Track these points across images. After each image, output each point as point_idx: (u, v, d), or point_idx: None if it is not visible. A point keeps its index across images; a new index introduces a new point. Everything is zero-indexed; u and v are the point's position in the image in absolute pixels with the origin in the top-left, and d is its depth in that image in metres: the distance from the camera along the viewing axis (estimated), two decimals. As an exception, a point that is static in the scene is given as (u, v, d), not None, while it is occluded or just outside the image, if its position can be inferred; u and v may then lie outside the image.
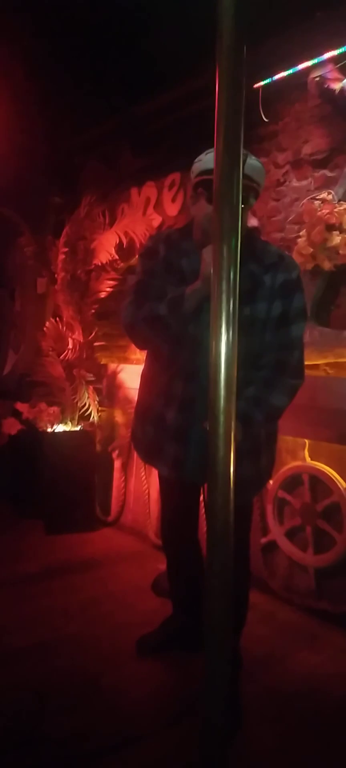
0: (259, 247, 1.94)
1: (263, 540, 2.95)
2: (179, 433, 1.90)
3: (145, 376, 2.08)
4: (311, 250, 2.76)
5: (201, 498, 2.19)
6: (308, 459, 2.79)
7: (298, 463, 2.81)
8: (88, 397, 3.98)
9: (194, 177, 1.89)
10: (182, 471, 1.93)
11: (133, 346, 3.14)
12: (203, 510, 2.29)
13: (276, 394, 1.83)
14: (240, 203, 1.09)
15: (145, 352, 2.13)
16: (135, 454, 3.69)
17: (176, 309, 1.81)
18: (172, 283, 1.88)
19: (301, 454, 2.81)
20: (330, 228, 2.70)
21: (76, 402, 3.99)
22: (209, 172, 1.77)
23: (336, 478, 2.66)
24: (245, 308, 1.75)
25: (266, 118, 3.02)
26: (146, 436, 2.01)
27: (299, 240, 2.82)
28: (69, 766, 1.77)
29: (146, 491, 3.67)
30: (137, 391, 2.12)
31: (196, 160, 1.89)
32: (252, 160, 1.79)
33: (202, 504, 2.25)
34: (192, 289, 1.79)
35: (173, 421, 1.90)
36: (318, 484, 2.73)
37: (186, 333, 1.84)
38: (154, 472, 3.12)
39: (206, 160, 1.83)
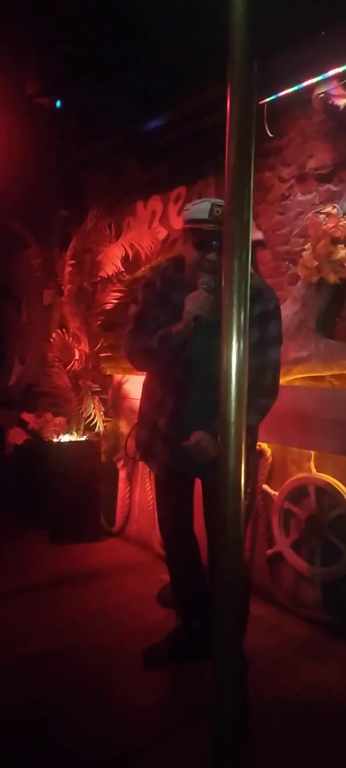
0: None
1: (269, 552, 2.95)
2: (168, 438, 2.16)
3: (144, 387, 2.33)
4: (316, 263, 2.79)
5: (192, 494, 2.36)
6: (313, 470, 2.80)
7: (304, 474, 2.82)
8: (93, 408, 4.00)
9: (184, 222, 2.12)
10: (169, 467, 2.21)
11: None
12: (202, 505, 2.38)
13: (250, 413, 1.95)
14: (250, 219, 1.12)
15: None
16: (140, 465, 3.72)
17: (165, 344, 2.06)
18: (165, 312, 2.12)
19: (307, 466, 2.82)
20: (335, 241, 2.73)
21: (82, 412, 4.01)
22: (194, 221, 2.04)
23: (342, 490, 2.66)
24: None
25: (271, 133, 3.06)
26: (143, 438, 2.28)
27: (304, 253, 2.85)
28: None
29: (151, 502, 3.67)
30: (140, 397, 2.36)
31: (185, 207, 2.16)
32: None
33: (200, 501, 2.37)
34: (177, 330, 2.01)
35: (163, 428, 2.17)
36: (324, 495, 2.73)
37: (175, 358, 2.08)
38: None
39: (193, 210, 2.05)
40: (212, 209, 1.98)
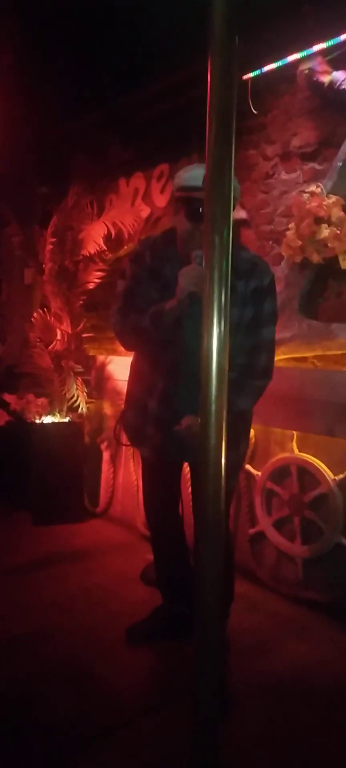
0: (233, 255, 1.94)
1: (251, 531, 2.98)
2: (159, 421, 2.07)
3: (133, 368, 2.24)
4: (300, 242, 2.78)
5: (180, 477, 2.32)
6: (296, 450, 2.81)
7: (286, 454, 2.84)
8: (76, 389, 3.96)
9: (175, 190, 2.00)
10: (160, 452, 2.12)
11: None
12: (189, 488, 2.37)
13: (242, 396, 1.96)
14: (232, 195, 1.09)
15: None
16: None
17: (156, 322, 1.95)
18: (156, 288, 2.02)
19: (289, 446, 2.84)
20: (319, 221, 2.72)
21: (65, 393, 3.97)
22: (187, 189, 1.91)
23: (324, 470, 2.69)
24: None
25: (255, 110, 3.02)
26: (132, 421, 2.19)
27: (288, 233, 2.84)
28: (59, 753, 1.78)
29: (135, 482, 3.67)
30: (127, 380, 2.26)
31: (176, 174, 2.01)
32: None
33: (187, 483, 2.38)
34: (170, 307, 1.90)
35: (154, 410, 2.08)
36: (306, 475, 2.75)
37: (167, 337, 1.97)
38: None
39: (185, 177, 1.93)
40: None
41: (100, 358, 4.02)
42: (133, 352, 2.24)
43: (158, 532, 2.39)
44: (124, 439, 2.31)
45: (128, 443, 2.29)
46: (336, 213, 2.70)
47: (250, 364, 1.96)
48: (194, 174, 1.89)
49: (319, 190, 2.77)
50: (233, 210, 2.01)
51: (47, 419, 3.97)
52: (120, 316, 2.06)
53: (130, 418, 2.19)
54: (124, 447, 3.71)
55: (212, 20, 1.06)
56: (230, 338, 1.86)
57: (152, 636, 2.38)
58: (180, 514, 2.35)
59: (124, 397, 2.27)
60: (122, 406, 2.29)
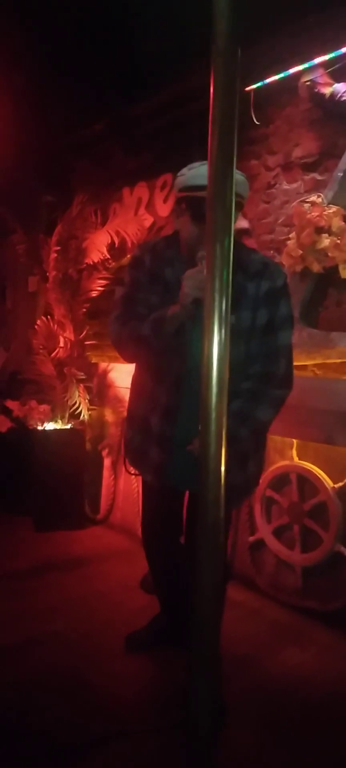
0: (243, 256, 1.89)
1: (251, 538, 2.97)
2: (162, 440, 1.90)
3: (134, 383, 2.08)
4: (301, 252, 2.79)
5: (183, 506, 2.15)
6: (295, 458, 2.81)
7: (286, 462, 2.84)
8: (78, 396, 3.98)
9: (178, 191, 1.86)
10: (163, 476, 1.93)
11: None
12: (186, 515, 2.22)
13: (262, 407, 1.81)
14: (233, 204, 1.11)
15: None
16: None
17: (157, 330, 1.80)
18: (156, 293, 1.88)
19: (289, 454, 2.84)
20: (319, 231, 2.74)
21: (67, 400, 3.99)
22: (192, 188, 1.76)
23: (323, 478, 2.69)
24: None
25: (258, 121, 3.06)
26: (133, 441, 2.02)
27: (289, 242, 2.86)
28: (54, 760, 1.77)
29: (136, 490, 3.67)
30: (129, 394, 2.13)
31: (179, 173, 1.85)
32: (236, 175, 1.74)
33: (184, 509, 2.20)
34: (172, 313, 1.76)
35: (156, 428, 1.91)
36: (306, 483, 2.75)
37: (170, 346, 1.83)
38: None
39: (190, 176, 1.79)
40: None
41: (103, 365, 4.04)
42: (131, 363, 2.09)
43: (155, 560, 2.26)
44: (131, 468, 2.11)
45: (135, 472, 2.09)
46: (337, 223, 2.72)
47: (268, 372, 1.81)
48: (199, 172, 1.75)
49: (320, 200, 2.80)
50: (240, 212, 1.94)
51: (49, 426, 3.98)
52: (118, 324, 1.92)
53: (132, 439, 2.02)
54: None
55: (215, 32, 1.07)
56: (243, 344, 1.82)
57: (151, 644, 2.36)
58: (180, 545, 2.19)
59: (125, 404, 2.15)
60: (124, 413, 2.18)
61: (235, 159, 1.11)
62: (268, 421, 1.86)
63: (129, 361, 2.07)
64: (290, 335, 1.85)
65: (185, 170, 1.83)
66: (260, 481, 2.86)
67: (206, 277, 1.45)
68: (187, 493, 2.10)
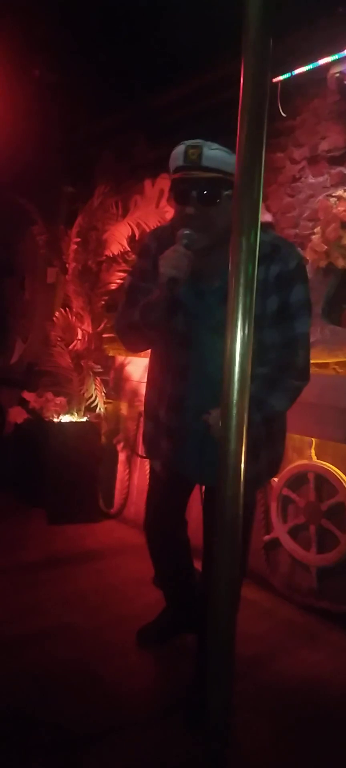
0: None
1: (266, 537, 2.92)
2: (170, 430, 1.87)
3: (148, 374, 2.05)
4: (325, 247, 2.73)
5: (187, 501, 2.12)
6: (314, 458, 2.76)
7: (304, 461, 2.78)
8: (95, 389, 3.97)
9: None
10: (171, 466, 1.91)
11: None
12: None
13: (277, 394, 1.72)
14: (261, 196, 1.06)
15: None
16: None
17: (145, 315, 1.75)
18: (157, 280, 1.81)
19: (307, 453, 2.78)
20: (345, 226, 2.67)
21: (83, 393, 3.97)
22: (171, 173, 1.72)
23: (342, 478, 2.63)
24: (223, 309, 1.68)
25: (284, 113, 3.00)
26: (147, 432, 2.01)
27: (314, 237, 2.80)
28: (65, 750, 1.75)
29: (150, 485, 3.64)
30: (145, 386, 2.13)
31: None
32: (210, 150, 1.64)
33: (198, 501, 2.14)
34: (156, 298, 1.71)
35: (164, 418, 1.88)
36: (323, 483, 2.70)
37: (176, 333, 1.79)
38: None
39: (170, 159, 1.74)
40: (186, 153, 1.63)
41: (120, 358, 4.01)
42: (137, 353, 2.06)
43: (158, 556, 2.21)
44: (141, 450, 2.08)
45: (144, 455, 2.08)
46: (363, 218, 2.65)
47: (287, 361, 1.71)
48: (174, 153, 1.70)
49: (346, 194, 2.73)
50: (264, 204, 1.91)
51: (65, 418, 3.97)
52: (119, 313, 1.90)
53: (146, 428, 2.01)
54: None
55: (247, 21, 1.05)
56: (255, 333, 1.77)
57: (163, 636, 2.33)
58: (185, 538, 2.18)
59: (141, 398, 2.15)
60: (140, 407, 2.18)
61: (264, 151, 1.08)
62: (282, 410, 1.77)
63: (129, 350, 2.07)
64: (308, 323, 1.73)
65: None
66: (277, 478, 2.83)
67: (187, 251, 1.58)
68: (197, 487, 2.05)
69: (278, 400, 1.72)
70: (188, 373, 1.80)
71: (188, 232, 1.63)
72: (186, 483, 1.99)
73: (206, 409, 1.67)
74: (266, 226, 1.83)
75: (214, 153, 1.63)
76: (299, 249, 1.79)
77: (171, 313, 1.73)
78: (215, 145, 1.64)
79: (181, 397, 1.82)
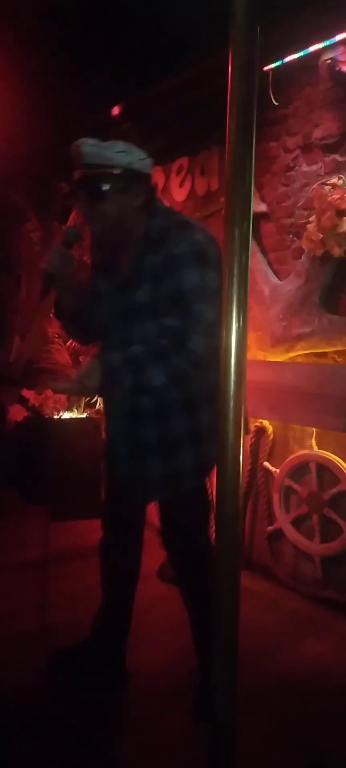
0: (150, 222, 1.76)
1: (269, 528, 2.94)
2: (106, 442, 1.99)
3: None
4: (321, 236, 2.72)
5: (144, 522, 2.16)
6: (315, 447, 2.77)
7: (305, 451, 2.79)
8: (94, 385, 3.96)
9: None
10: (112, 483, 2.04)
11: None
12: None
13: (157, 368, 1.61)
14: (252, 186, 1.06)
15: None
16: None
17: (56, 315, 1.97)
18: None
19: (308, 443, 2.79)
20: (340, 214, 2.66)
21: (82, 389, 3.97)
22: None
23: (343, 467, 2.64)
24: (126, 294, 1.75)
25: (276, 101, 2.97)
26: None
27: (309, 226, 2.79)
28: (74, 745, 1.78)
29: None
30: None
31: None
32: (87, 148, 1.64)
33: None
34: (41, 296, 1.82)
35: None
36: (325, 472, 2.71)
37: (94, 324, 1.90)
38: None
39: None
40: (72, 153, 1.66)
41: (118, 353, 4.01)
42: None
43: (107, 571, 2.23)
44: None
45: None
46: (358, 205, 2.64)
47: (175, 344, 1.61)
48: (72, 154, 1.71)
49: (341, 182, 2.72)
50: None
51: (65, 415, 3.98)
52: None
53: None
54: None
55: (233, 10, 1.03)
56: (146, 321, 1.67)
57: (74, 668, 2.16)
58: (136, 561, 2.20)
59: None
60: None
61: (254, 139, 1.06)
62: (156, 385, 1.62)
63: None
64: (208, 310, 1.59)
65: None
66: (278, 470, 2.84)
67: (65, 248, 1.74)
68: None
69: (156, 374, 1.61)
70: (106, 376, 1.70)
71: (69, 229, 1.76)
72: (130, 498, 2.00)
73: (120, 401, 1.76)
74: (166, 209, 1.82)
75: (91, 150, 1.66)
76: (199, 232, 1.68)
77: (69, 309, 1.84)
78: (93, 141, 1.67)
79: (105, 402, 1.96)
